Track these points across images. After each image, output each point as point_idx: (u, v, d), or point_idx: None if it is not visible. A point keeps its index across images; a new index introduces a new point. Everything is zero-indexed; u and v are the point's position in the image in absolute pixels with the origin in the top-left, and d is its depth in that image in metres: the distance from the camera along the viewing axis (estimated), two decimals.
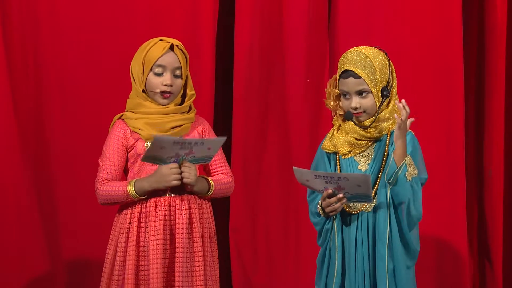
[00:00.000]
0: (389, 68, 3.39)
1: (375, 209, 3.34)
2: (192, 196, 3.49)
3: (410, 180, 3.28)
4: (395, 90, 3.41)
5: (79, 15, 4.43)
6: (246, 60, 4.48)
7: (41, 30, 4.42)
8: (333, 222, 3.36)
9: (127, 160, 3.53)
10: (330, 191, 3.26)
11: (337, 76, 3.41)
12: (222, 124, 4.52)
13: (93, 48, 4.42)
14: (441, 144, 4.48)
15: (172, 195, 3.46)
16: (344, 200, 3.27)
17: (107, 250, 3.54)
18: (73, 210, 4.42)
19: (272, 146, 4.54)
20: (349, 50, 3.40)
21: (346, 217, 3.37)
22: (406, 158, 3.26)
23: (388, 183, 3.28)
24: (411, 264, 3.37)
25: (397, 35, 4.46)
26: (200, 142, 3.36)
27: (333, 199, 3.27)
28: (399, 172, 3.26)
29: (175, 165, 3.39)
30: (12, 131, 4.37)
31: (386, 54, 3.41)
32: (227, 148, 4.44)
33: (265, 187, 4.56)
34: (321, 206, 3.34)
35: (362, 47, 3.40)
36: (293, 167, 3.27)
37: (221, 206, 4.50)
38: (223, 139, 3.40)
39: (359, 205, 3.35)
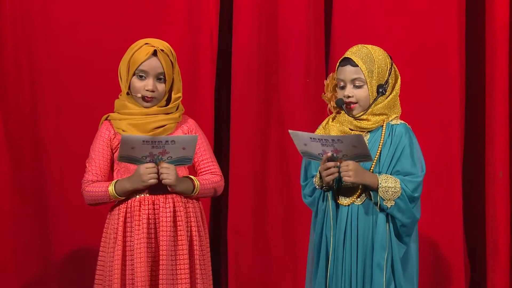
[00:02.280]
0: (390, 69, 3.40)
1: (366, 203, 3.36)
2: (177, 195, 3.49)
3: (393, 204, 3.31)
4: (397, 91, 3.42)
5: (74, 14, 4.45)
6: (244, 60, 4.48)
7: (35, 29, 4.45)
8: (328, 201, 3.38)
9: (113, 161, 3.56)
10: (329, 154, 3.28)
11: (337, 66, 3.44)
12: (225, 123, 4.55)
13: (88, 47, 4.44)
14: (437, 144, 4.44)
15: (149, 195, 3.47)
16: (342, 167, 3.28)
17: (100, 251, 3.57)
18: (66, 211, 4.45)
19: (271, 145, 4.54)
20: (355, 45, 3.44)
21: (336, 209, 3.39)
22: (379, 190, 3.30)
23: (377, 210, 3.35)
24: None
25: (394, 34, 4.44)
26: (171, 140, 3.35)
27: (332, 163, 3.29)
28: (379, 203, 3.31)
29: (151, 164, 3.40)
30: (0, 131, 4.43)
31: (390, 57, 3.43)
32: (226, 148, 4.51)
33: (264, 187, 4.55)
34: (319, 174, 3.35)
35: (368, 44, 3.44)
36: (289, 131, 3.29)
37: (220, 207, 4.56)
38: (194, 137, 3.39)
39: (351, 197, 3.37)
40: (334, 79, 3.45)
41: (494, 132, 4.44)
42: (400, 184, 3.31)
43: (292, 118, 4.50)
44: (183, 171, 3.54)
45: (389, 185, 3.30)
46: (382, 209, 3.33)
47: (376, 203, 3.33)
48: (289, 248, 4.54)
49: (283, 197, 4.53)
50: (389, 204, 3.30)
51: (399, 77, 3.44)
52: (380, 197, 3.30)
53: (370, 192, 3.33)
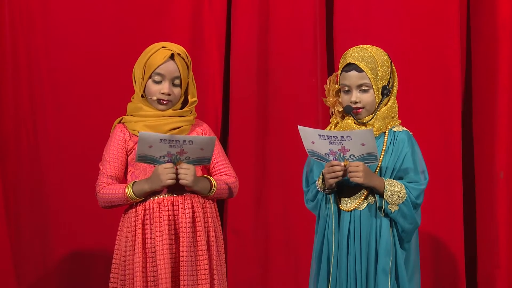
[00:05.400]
0: (390, 68, 3.42)
1: (368, 208, 3.38)
2: (195, 195, 3.50)
3: (397, 209, 3.33)
4: (395, 91, 3.45)
5: (74, 13, 4.44)
6: (243, 61, 4.50)
7: (34, 28, 4.43)
8: (330, 205, 3.38)
9: (127, 163, 3.55)
10: (336, 163, 3.29)
11: (339, 70, 3.44)
12: (224, 124, 4.58)
13: (88, 47, 4.44)
14: (438, 144, 4.46)
15: (167, 195, 3.47)
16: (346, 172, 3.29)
17: (115, 254, 3.55)
18: (65, 212, 4.44)
19: (270, 146, 4.55)
20: (353, 47, 3.45)
21: (338, 215, 3.40)
22: (384, 193, 3.32)
23: (381, 215, 3.36)
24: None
25: (395, 34, 4.46)
26: (189, 141, 3.35)
27: (338, 167, 3.29)
28: (384, 208, 3.33)
29: (170, 164, 3.40)
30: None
31: (388, 56, 3.45)
32: (225, 149, 4.43)
33: (263, 188, 4.57)
34: (322, 177, 3.36)
35: (365, 45, 3.45)
36: (298, 126, 3.28)
37: (219, 207, 4.52)
38: (213, 138, 3.41)
39: (353, 203, 3.38)
40: (336, 84, 3.45)
41: (496, 133, 4.46)
42: (405, 189, 3.34)
43: (291, 118, 4.49)
44: (198, 171, 3.55)
45: (395, 189, 3.33)
46: (386, 214, 3.35)
47: (380, 208, 3.34)
48: (288, 249, 4.55)
49: (283, 198, 4.54)
50: (393, 208, 3.33)
51: (396, 74, 3.47)
52: (385, 200, 3.32)
53: (376, 195, 3.34)
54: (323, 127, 3.53)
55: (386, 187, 3.31)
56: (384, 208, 3.33)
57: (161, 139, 3.32)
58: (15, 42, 4.42)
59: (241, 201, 4.50)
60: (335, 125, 3.46)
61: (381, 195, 3.33)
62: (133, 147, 3.52)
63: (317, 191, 3.42)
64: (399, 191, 3.32)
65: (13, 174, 4.44)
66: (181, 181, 3.41)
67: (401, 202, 3.32)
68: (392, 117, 3.44)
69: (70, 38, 4.44)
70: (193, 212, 3.48)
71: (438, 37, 4.47)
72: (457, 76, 4.47)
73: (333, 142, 3.25)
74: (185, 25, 4.49)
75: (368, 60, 3.37)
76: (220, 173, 3.61)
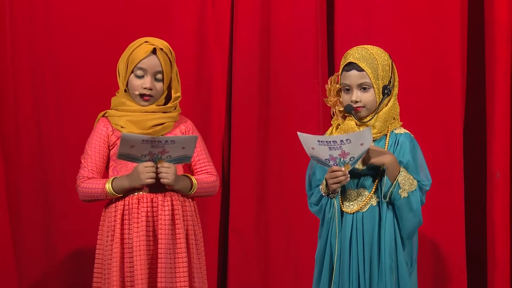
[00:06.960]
0: (391, 68, 3.41)
1: (371, 210, 3.36)
2: (175, 193, 3.51)
3: (406, 196, 3.30)
4: (396, 91, 3.43)
5: (75, 11, 4.42)
6: (245, 61, 4.48)
7: (36, 26, 4.42)
8: (334, 209, 3.37)
9: (109, 157, 3.56)
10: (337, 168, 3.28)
11: (340, 70, 3.43)
12: (226, 124, 4.55)
13: (91, 48, 4.42)
14: (439, 145, 4.42)
15: (147, 192, 3.47)
16: (349, 174, 3.27)
17: (97, 249, 3.57)
18: (68, 210, 4.42)
19: (272, 146, 4.53)
20: (354, 47, 3.44)
21: (341, 217, 3.38)
22: (399, 176, 3.29)
23: (384, 201, 3.32)
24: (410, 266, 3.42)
25: (396, 35, 4.42)
26: (171, 141, 3.36)
27: (340, 172, 3.27)
28: (393, 190, 3.29)
29: (150, 163, 3.40)
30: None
31: (389, 56, 3.44)
32: (227, 149, 4.51)
33: (265, 188, 4.54)
34: (325, 182, 3.35)
35: (366, 45, 3.44)
36: (298, 133, 3.28)
37: (221, 207, 4.54)
38: (194, 137, 3.40)
39: (356, 205, 3.37)
40: (337, 84, 3.44)
41: (493, 133, 4.43)
42: (416, 180, 3.33)
43: (293, 118, 4.48)
44: (179, 169, 3.55)
45: (408, 175, 3.31)
46: (392, 201, 3.30)
47: (385, 194, 3.30)
48: (289, 249, 4.53)
49: (284, 198, 4.52)
50: (403, 194, 3.29)
51: (397, 74, 3.45)
52: (398, 183, 3.28)
53: (386, 178, 3.29)
54: (325, 128, 3.54)
55: (401, 171, 3.30)
56: (394, 192, 3.29)
57: (143, 140, 3.33)
58: (17, 42, 4.41)
59: (242, 201, 4.50)
60: (337, 127, 3.44)
61: (391, 179, 3.29)
62: (115, 141, 3.52)
63: (321, 196, 3.42)
64: (411, 179, 3.31)
65: (16, 174, 4.43)
66: (162, 180, 3.42)
67: (411, 190, 3.30)
68: (394, 118, 3.42)
69: (73, 38, 4.43)
70: (172, 210, 3.48)
71: (439, 38, 4.44)
72: (458, 77, 4.43)
73: (333, 147, 3.24)
74: (189, 26, 4.49)
75: (368, 60, 3.36)
76: (202, 171, 3.61)
